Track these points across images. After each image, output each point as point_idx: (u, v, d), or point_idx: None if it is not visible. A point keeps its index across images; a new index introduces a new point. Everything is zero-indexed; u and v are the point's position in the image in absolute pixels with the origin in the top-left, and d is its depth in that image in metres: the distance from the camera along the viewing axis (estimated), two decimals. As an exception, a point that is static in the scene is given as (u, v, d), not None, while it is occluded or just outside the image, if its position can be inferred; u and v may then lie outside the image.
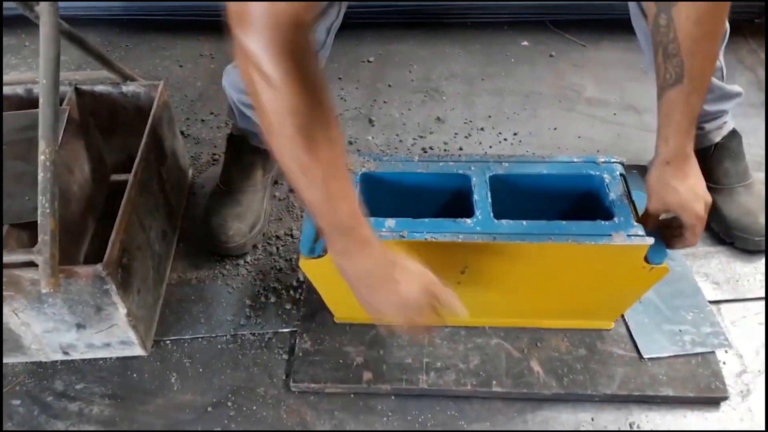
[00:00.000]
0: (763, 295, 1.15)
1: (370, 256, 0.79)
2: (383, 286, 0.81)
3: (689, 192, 0.88)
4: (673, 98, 0.85)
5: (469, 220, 0.92)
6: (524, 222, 0.91)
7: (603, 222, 0.91)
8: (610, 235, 0.89)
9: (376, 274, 0.80)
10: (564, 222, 0.91)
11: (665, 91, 0.86)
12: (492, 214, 0.92)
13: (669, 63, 0.84)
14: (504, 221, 0.91)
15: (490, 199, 0.95)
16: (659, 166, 0.90)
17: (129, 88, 1.25)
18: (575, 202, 1.02)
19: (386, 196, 1.00)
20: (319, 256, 0.92)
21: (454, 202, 1.02)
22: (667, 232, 0.93)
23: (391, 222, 0.91)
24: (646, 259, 0.91)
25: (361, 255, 0.79)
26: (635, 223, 0.91)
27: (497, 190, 0.97)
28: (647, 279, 0.94)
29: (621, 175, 0.99)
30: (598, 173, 0.99)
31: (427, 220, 0.92)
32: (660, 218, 0.93)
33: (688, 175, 0.88)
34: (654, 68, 1.18)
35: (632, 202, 0.95)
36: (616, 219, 0.92)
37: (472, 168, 1.00)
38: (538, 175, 1.00)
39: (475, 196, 0.95)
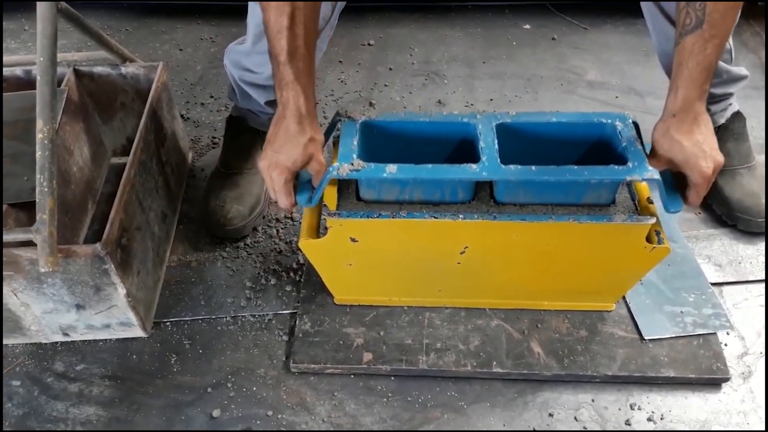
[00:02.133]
0: (763, 277, 1.15)
1: (283, 117, 0.86)
2: (267, 142, 0.88)
3: (695, 148, 0.83)
4: (689, 45, 0.82)
5: (474, 166, 0.86)
6: (533, 167, 0.85)
7: (616, 166, 0.86)
8: (624, 178, 0.85)
9: (273, 130, 0.87)
10: (575, 167, 0.85)
11: (683, 38, 0.82)
12: (499, 160, 0.87)
13: (691, 7, 0.81)
14: (512, 166, 0.85)
15: (496, 146, 0.89)
16: (665, 119, 0.86)
17: (128, 69, 1.24)
18: (586, 152, 0.97)
19: (387, 147, 0.96)
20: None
21: (459, 153, 0.97)
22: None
23: (392, 168, 0.86)
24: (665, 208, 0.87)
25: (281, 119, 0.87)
26: (650, 168, 0.86)
27: (504, 140, 0.91)
28: (648, 259, 0.94)
29: (633, 122, 0.94)
30: (609, 121, 0.93)
31: (429, 165, 0.86)
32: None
33: (694, 130, 0.84)
34: (658, 50, 1.17)
35: (644, 148, 0.90)
36: (630, 164, 0.86)
37: (478, 117, 0.94)
38: (547, 123, 0.94)
39: (481, 143, 0.90)
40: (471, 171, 0.86)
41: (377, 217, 0.90)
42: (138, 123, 1.12)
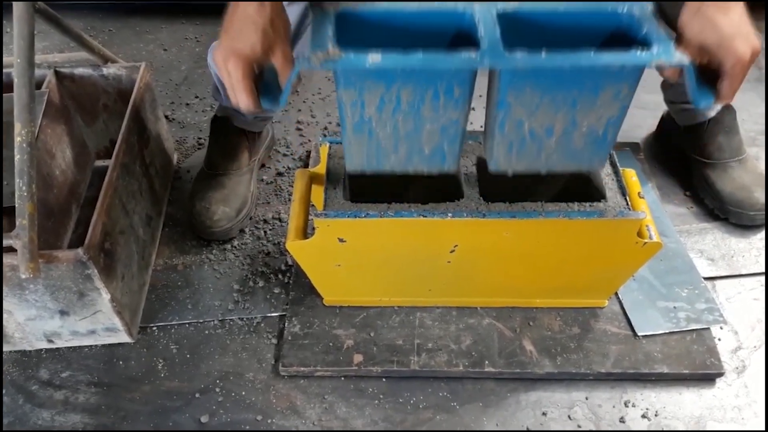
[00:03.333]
0: (758, 270, 1.14)
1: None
2: (222, 30, 0.75)
3: (732, 28, 0.72)
4: None
5: (474, 53, 0.73)
6: (543, 54, 0.72)
7: (639, 52, 0.73)
8: (649, 62, 0.73)
9: (228, 15, 0.75)
10: (592, 53, 0.73)
11: None
12: (502, 46, 0.74)
13: None
14: (518, 54, 0.72)
15: (498, 33, 0.76)
16: None
17: (110, 70, 1.22)
18: (602, 44, 0.84)
19: (367, 44, 0.79)
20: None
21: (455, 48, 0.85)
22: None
23: (375, 56, 0.71)
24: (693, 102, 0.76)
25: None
26: (678, 52, 0.74)
27: (506, 33, 0.77)
28: (640, 255, 0.93)
29: (653, 12, 0.81)
30: (625, 9, 0.81)
31: (420, 54, 0.72)
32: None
33: (731, 7, 0.73)
34: None
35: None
36: (654, 50, 0.74)
37: (475, 6, 0.81)
38: (555, 13, 0.82)
39: (480, 33, 0.76)
40: (470, 59, 0.73)
41: (365, 216, 0.89)
42: (121, 125, 1.09)
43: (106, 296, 0.95)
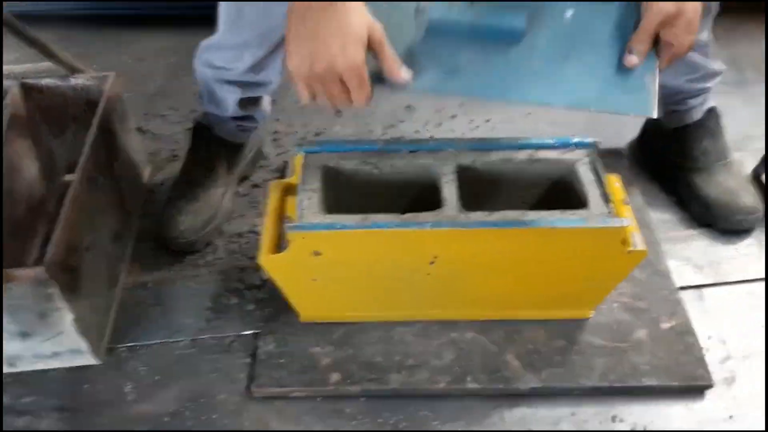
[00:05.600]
0: (745, 278, 1.12)
1: None
2: (322, 11, 0.70)
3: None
4: None
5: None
6: None
7: None
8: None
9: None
10: None
11: None
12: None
13: None
14: None
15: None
16: None
17: (78, 81, 1.18)
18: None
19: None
20: None
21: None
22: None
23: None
24: None
25: None
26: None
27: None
28: (625, 263, 0.90)
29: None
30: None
31: None
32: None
33: None
34: None
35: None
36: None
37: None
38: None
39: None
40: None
41: (340, 228, 0.85)
42: (90, 137, 1.06)
43: (68, 316, 0.91)
